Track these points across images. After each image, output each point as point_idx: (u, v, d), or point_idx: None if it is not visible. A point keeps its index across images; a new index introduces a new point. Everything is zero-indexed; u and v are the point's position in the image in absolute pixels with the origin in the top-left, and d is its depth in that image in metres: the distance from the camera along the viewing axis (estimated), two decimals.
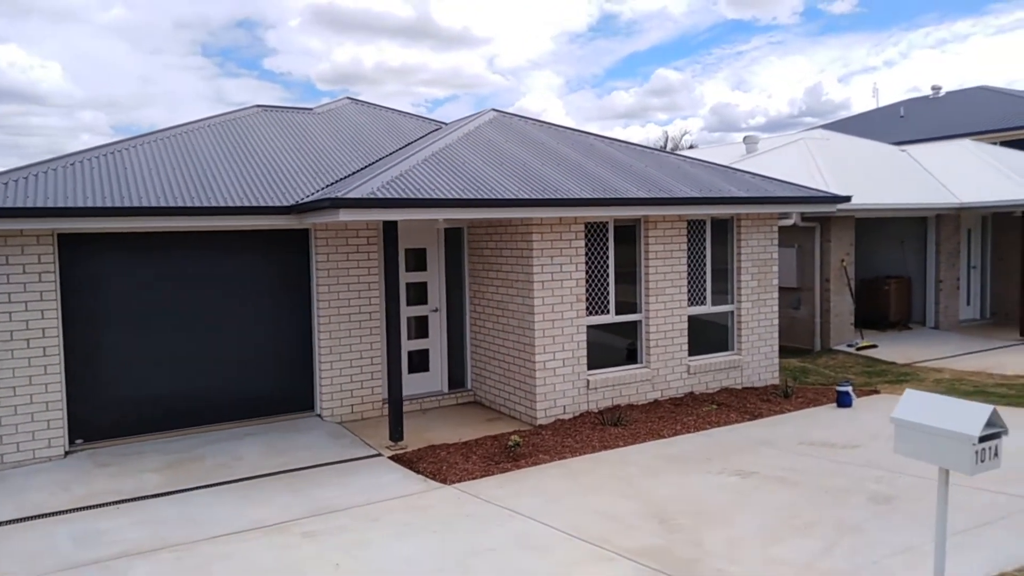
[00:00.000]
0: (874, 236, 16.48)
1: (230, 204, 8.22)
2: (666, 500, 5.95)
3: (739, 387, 10.59)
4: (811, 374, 11.98)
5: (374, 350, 9.66)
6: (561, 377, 9.22)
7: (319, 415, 9.53)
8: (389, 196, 7.55)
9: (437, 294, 10.41)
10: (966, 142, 18.03)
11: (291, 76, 73.85)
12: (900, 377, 11.38)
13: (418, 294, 10.30)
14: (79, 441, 8.36)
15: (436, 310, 10.41)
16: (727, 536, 5.10)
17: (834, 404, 9.35)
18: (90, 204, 7.65)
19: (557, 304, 9.16)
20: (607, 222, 9.61)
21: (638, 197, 9.20)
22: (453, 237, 10.45)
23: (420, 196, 7.75)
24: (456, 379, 10.56)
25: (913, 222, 15.77)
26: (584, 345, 9.36)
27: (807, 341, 14.20)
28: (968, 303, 16.31)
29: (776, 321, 11.03)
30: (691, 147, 30.31)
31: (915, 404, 3.78)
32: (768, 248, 10.90)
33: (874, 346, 13.62)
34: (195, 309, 8.88)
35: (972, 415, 3.54)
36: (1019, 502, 5.66)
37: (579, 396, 9.34)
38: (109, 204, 7.72)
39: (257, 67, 72.95)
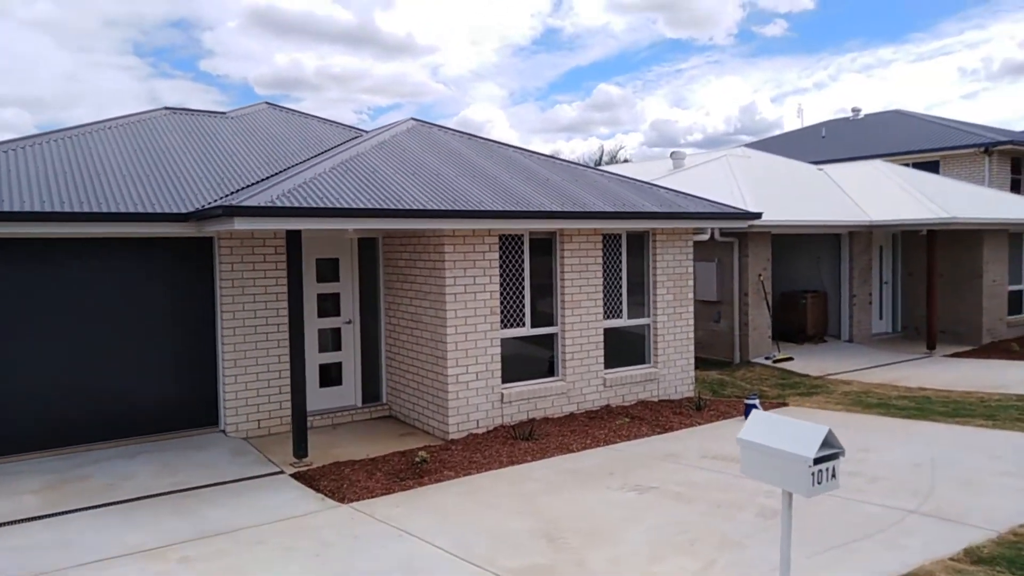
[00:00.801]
0: (792, 252, 16.91)
1: (119, 210, 7.85)
2: (561, 517, 5.87)
3: (655, 399, 10.65)
4: (728, 386, 12.14)
5: (282, 363, 9.35)
6: (474, 391, 9.09)
7: (223, 431, 9.17)
8: (286, 205, 7.31)
9: (351, 306, 10.17)
10: (878, 163, 18.71)
11: (229, 79, 72.26)
12: (811, 390, 11.64)
13: (331, 305, 10.03)
14: None
15: (349, 322, 10.16)
16: (612, 555, 5.04)
17: (743, 417, 9.46)
18: None
19: (470, 317, 9.04)
20: (522, 235, 9.55)
21: (551, 210, 9.17)
22: (368, 248, 10.24)
23: (321, 205, 7.53)
24: (371, 393, 10.32)
25: (829, 238, 16.24)
26: (499, 358, 9.25)
27: (727, 354, 14.43)
28: (880, 317, 16.87)
29: (692, 335, 11.14)
30: (626, 160, 30.74)
31: (760, 425, 3.76)
32: (683, 263, 11.02)
33: (790, 359, 13.93)
34: (89, 320, 8.44)
35: (809, 437, 3.54)
36: (897, 515, 5.77)
37: (493, 410, 9.23)
38: None
39: (193, 68, 71.13)
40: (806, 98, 70.84)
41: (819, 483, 3.53)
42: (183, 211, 8.23)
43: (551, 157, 11.57)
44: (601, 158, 33.06)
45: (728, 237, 14.04)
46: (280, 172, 9.73)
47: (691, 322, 11.13)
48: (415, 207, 8.15)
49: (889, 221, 14.96)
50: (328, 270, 9.99)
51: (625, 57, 73.46)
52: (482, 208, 8.67)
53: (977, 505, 5.89)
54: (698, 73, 74.20)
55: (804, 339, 15.80)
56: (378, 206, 7.91)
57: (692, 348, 11.16)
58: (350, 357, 10.18)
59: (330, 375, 10.04)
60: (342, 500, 6.73)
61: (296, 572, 5.00)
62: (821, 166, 19.48)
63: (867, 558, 4.88)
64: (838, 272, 16.19)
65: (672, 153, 19.87)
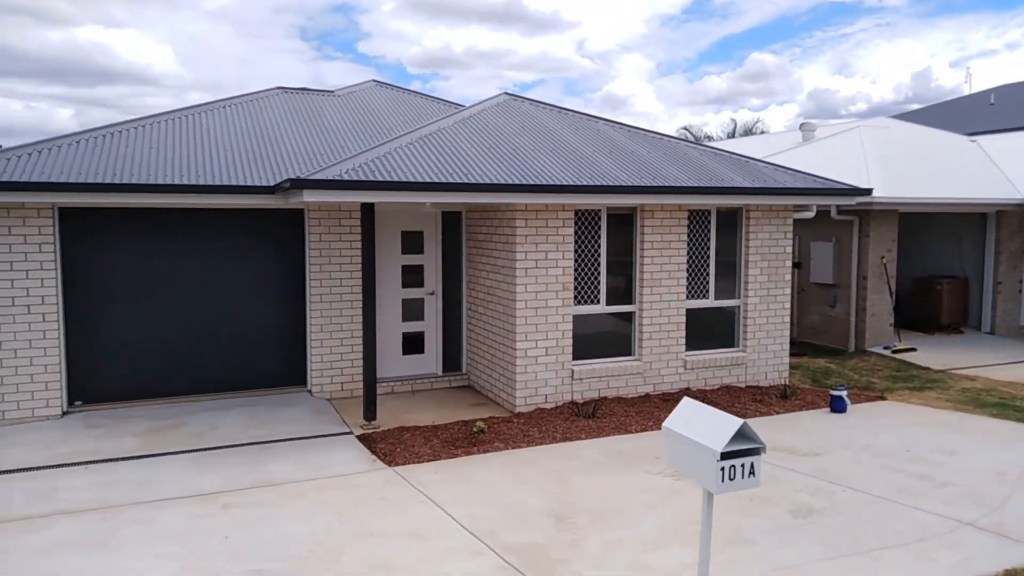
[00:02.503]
0: (928, 232, 15.46)
1: (214, 183, 8.48)
2: (583, 497, 5.81)
3: (742, 385, 10.19)
4: (833, 376, 11.38)
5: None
6: (543, 366, 9.11)
7: (310, 391, 9.77)
8: (350, 179, 7.61)
9: (433, 277, 10.45)
10: None
11: (384, 60, 75.45)
12: (926, 384, 10.67)
13: (415, 277, 10.37)
14: (78, 403, 8.88)
15: (432, 293, 10.46)
16: (611, 538, 4.93)
17: (828, 409, 8.86)
18: (82, 180, 8.05)
19: (541, 292, 9.04)
20: (599, 210, 9.38)
21: (628, 185, 8.93)
22: (452, 221, 10.45)
23: (388, 179, 7.78)
24: (452, 363, 10.60)
25: (972, 218, 14.68)
26: (569, 334, 9.21)
27: (841, 341, 13.50)
28: None
29: (787, 318, 10.52)
30: (761, 133, 29.13)
31: (686, 413, 3.49)
32: (780, 242, 10.39)
33: (912, 349, 12.80)
34: (194, 283, 9.24)
35: (723, 429, 3.25)
36: (950, 525, 5.21)
37: (563, 386, 9.21)
38: (100, 180, 8.10)
39: (352, 50, 74.89)
40: (994, 61, 63.40)
41: (730, 479, 3.26)
42: (270, 184, 8.78)
43: (642, 130, 11.23)
44: (735, 131, 31.54)
45: (847, 215, 13.04)
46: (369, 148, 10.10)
47: (787, 305, 10.50)
48: (481, 181, 8.22)
49: None
50: (413, 242, 10.30)
51: (784, 22, 69.13)
52: (553, 183, 8.60)
53: None
54: (866, 37, 68.44)
55: (936, 329, 14.46)
56: (442, 179, 8.06)
57: (787, 333, 10.54)
58: (432, 327, 10.49)
59: (413, 343, 10.40)
60: (391, 463, 7.02)
61: (314, 526, 5.31)
62: (975, 137, 17.54)
63: (886, 569, 4.48)
64: (982, 256, 14.60)
65: (802, 125, 18.63)
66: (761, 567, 4.53)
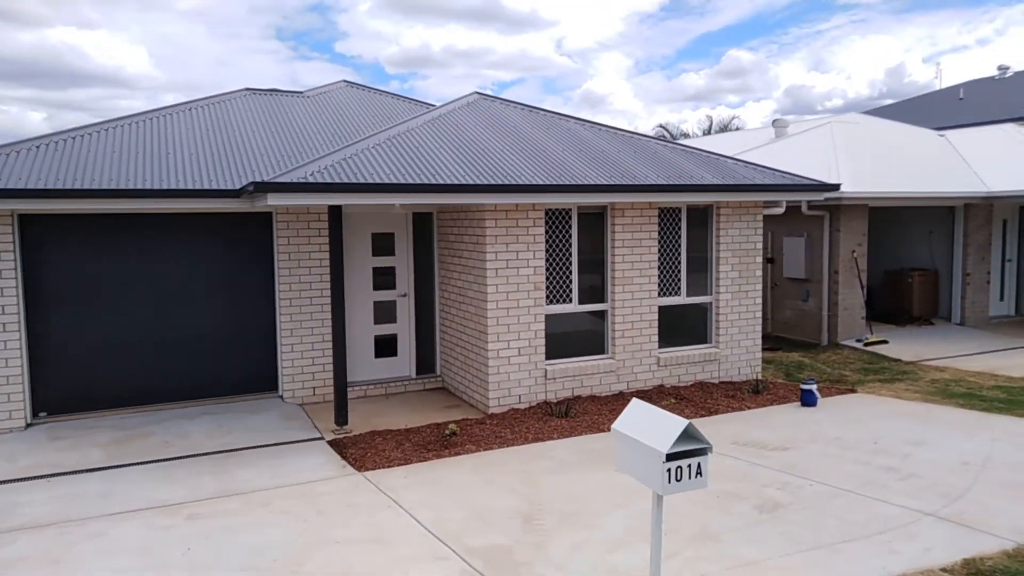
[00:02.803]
0: (898, 226, 15.63)
1: (177, 187, 8.36)
2: (552, 498, 5.78)
3: (715, 381, 10.23)
4: (806, 369, 11.45)
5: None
6: (516, 366, 9.07)
7: (281, 396, 9.67)
8: (317, 181, 7.53)
9: (405, 279, 10.38)
10: (1010, 127, 16.82)
11: (361, 59, 75.08)
12: (897, 376, 10.77)
13: (386, 279, 10.29)
14: (42, 414, 8.72)
15: (404, 295, 10.39)
16: (578, 539, 4.91)
17: (799, 403, 8.91)
18: (41, 186, 7.90)
19: (512, 292, 9.00)
20: (570, 209, 9.37)
21: (597, 184, 8.92)
22: (424, 222, 10.39)
23: (354, 181, 7.70)
24: (425, 365, 10.54)
25: (940, 212, 14.84)
26: (542, 334, 9.18)
27: (814, 335, 13.60)
28: (1001, 298, 15.28)
29: (759, 314, 10.57)
30: (737, 129, 29.29)
31: (634, 414, 3.47)
32: (751, 238, 10.44)
33: (884, 342, 12.92)
34: (160, 289, 9.11)
35: (669, 430, 3.23)
36: (912, 516, 5.24)
37: (536, 386, 9.18)
38: (59, 186, 7.96)
39: (329, 50, 74.45)
40: (966, 56, 64.22)
41: (677, 480, 3.24)
42: (234, 188, 8.66)
43: (613, 128, 11.23)
44: (711, 128, 31.71)
45: (817, 210, 13.14)
46: (335, 149, 10.01)
47: (758, 300, 10.55)
48: (448, 182, 8.17)
49: (1013, 192, 13.44)
50: (384, 244, 10.23)
51: (760, 19, 69.61)
52: (522, 183, 8.56)
53: (1011, 512, 5.27)
54: (840, 34, 69.08)
55: (908, 321, 14.61)
56: (409, 181, 8.00)
57: (759, 328, 10.59)
58: (405, 329, 10.43)
59: (385, 346, 10.33)
60: (360, 468, 6.95)
61: (278, 535, 5.23)
62: (944, 132, 17.76)
63: (848, 562, 4.49)
64: (951, 248, 14.78)
65: (774, 121, 18.76)
66: (724, 564, 4.52)
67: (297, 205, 8.98)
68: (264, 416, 8.96)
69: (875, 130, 16.96)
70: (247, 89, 12.24)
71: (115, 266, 8.89)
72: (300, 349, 9.61)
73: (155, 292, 9.08)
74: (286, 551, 4.90)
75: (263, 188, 7.41)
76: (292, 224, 9.45)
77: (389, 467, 6.96)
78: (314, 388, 9.68)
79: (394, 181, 7.95)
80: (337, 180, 7.67)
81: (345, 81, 13.59)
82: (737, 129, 28.75)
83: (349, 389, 9.88)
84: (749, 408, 8.80)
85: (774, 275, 14.44)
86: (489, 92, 11.90)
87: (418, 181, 8.08)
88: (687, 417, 8.44)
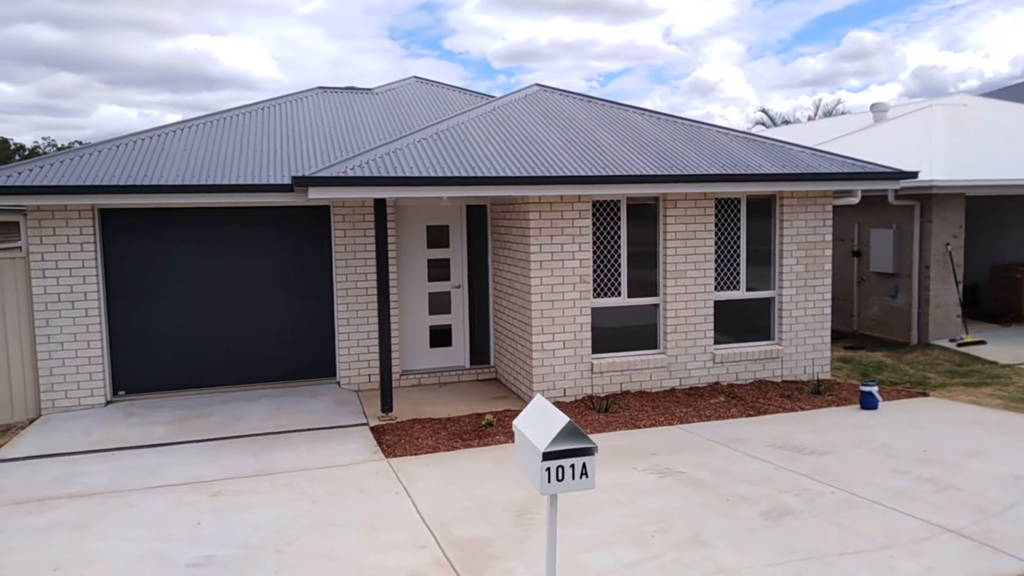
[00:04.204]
0: (1009, 217, 14.35)
1: (235, 182, 8.80)
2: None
3: (777, 380, 9.77)
4: (887, 370, 10.75)
5: (392, 323, 9.95)
6: (561, 359, 9.02)
7: (338, 383, 10.03)
8: (353, 175, 7.74)
9: (460, 271, 10.51)
10: None
11: (469, 55, 76.50)
12: (986, 380, 9.92)
13: (441, 270, 10.46)
14: (122, 392, 9.45)
15: (459, 286, 10.53)
16: (562, 536, 4.82)
17: (859, 406, 8.37)
18: (116, 182, 8.53)
19: (557, 284, 8.95)
20: (618, 200, 9.19)
21: (644, 174, 8.70)
22: (478, 215, 10.47)
23: (390, 175, 7.87)
24: (480, 355, 10.64)
25: None
26: (588, 327, 9.07)
27: (903, 334, 12.71)
28: None
29: (827, 310, 10.00)
30: (843, 114, 27.69)
31: (534, 410, 3.31)
32: (819, 229, 9.89)
33: (981, 343, 11.91)
34: (228, 279, 9.65)
35: (550, 427, 3.06)
36: (932, 531, 4.79)
37: (582, 379, 9.10)
38: (132, 182, 8.56)
39: (438, 47, 76.27)
40: None
41: (558, 479, 3.08)
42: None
43: (673, 117, 10.89)
44: (816, 113, 30.09)
45: (907, 200, 12.23)
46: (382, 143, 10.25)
47: (827, 296, 9.98)
48: (486, 174, 8.19)
49: None
50: (438, 237, 10.39)
51: None
52: (563, 174, 8.47)
53: None
54: (979, 8, 63.80)
55: (1015, 320, 13.41)
56: (446, 174, 8.08)
57: (827, 325, 10.02)
58: (459, 320, 10.56)
59: (440, 337, 10.50)
60: (390, 455, 7.13)
61: (282, 514, 5.46)
62: None
63: None
64: None
65: (872, 105, 17.62)
66: (701, 570, 4.33)
67: (340, 198, 9.26)
68: (319, 401, 9.32)
69: (985, 113, 15.61)
70: (319, 88, 12.72)
71: (187, 257, 9.49)
72: (356, 338, 9.92)
73: (223, 281, 9.62)
74: (282, 530, 5.11)
75: (303, 182, 7.70)
76: (348, 217, 9.77)
77: (417, 455, 7.10)
78: (369, 376, 9.98)
79: (431, 174, 8.06)
80: (374, 174, 7.86)
81: (415, 77, 13.86)
82: (842, 114, 27.19)
83: (404, 377, 10.14)
84: (803, 409, 8.35)
85: (860, 269, 13.60)
86: (551, 84, 11.82)
87: (457, 174, 8.15)
88: (731, 417, 8.15)
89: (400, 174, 7.97)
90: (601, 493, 5.70)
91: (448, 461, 6.81)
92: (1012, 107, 16.59)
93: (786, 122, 30.73)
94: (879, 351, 12.08)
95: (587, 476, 3.23)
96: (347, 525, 5.18)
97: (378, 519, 5.29)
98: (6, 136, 50.89)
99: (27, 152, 45.99)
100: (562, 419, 3.21)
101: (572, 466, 3.16)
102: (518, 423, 3.50)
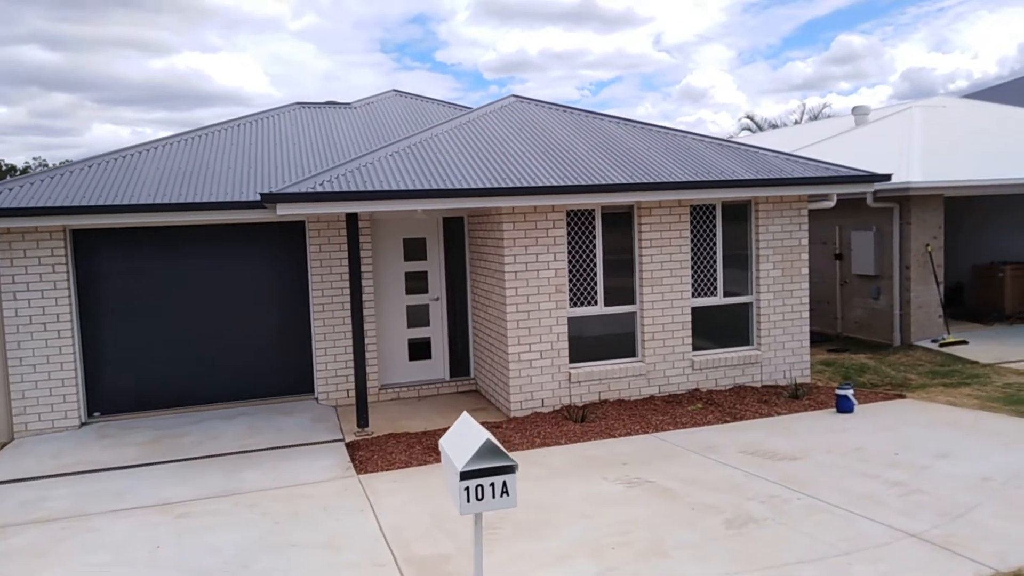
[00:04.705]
0: (989, 217, 14.39)
1: (207, 200, 8.77)
2: (522, 507, 5.64)
3: (757, 385, 9.74)
4: (869, 372, 10.73)
5: (369, 337, 9.92)
6: (538, 369, 8.98)
7: (316, 399, 9.97)
8: (322, 191, 7.72)
9: (438, 283, 10.48)
10: None
11: (461, 67, 76.78)
12: (965, 380, 9.90)
13: (419, 283, 10.42)
14: (96, 414, 9.38)
15: (437, 299, 10.49)
16: (522, 551, 4.78)
17: (835, 410, 8.33)
18: (87, 203, 8.49)
19: (533, 295, 8.92)
20: (593, 209, 9.18)
21: (618, 183, 8.70)
22: (455, 227, 10.45)
23: (357, 189, 7.84)
24: (459, 368, 10.60)
25: None
26: (565, 337, 9.04)
27: (886, 335, 12.69)
28: None
29: (806, 314, 9.98)
30: (828, 117, 27.76)
31: (459, 428, 3.26)
32: (795, 234, 9.88)
33: (963, 342, 11.90)
34: (204, 296, 9.60)
35: (470, 446, 3.01)
36: (892, 536, 4.75)
37: (559, 389, 9.05)
38: (103, 202, 8.53)
39: (430, 60, 76.56)
40: None
41: (478, 499, 3.04)
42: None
43: (648, 125, 10.90)
44: (801, 117, 30.18)
45: (885, 202, 12.25)
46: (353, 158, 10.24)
47: (805, 300, 9.97)
48: (456, 187, 8.17)
49: None
50: (416, 249, 10.36)
51: (873, 1, 65.75)
52: (534, 184, 8.46)
53: (1009, 536, 4.71)
54: (966, 9, 64.13)
55: (998, 319, 13.41)
56: (416, 187, 8.06)
57: (806, 329, 10.00)
58: (438, 333, 10.52)
59: (419, 349, 10.46)
60: (361, 471, 7.07)
61: (242, 537, 5.40)
62: None
63: None
64: None
65: (854, 108, 17.67)
66: None
67: (312, 214, 9.23)
68: (296, 418, 9.26)
69: (965, 114, 15.67)
70: (298, 103, 12.72)
71: (161, 276, 9.45)
72: (333, 353, 9.87)
73: (199, 299, 9.58)
74: (241, 553, 5.06)
75: (271, 199, 7.67)
76: (323, 232, 9.74)
77: (388, 470, 7.05)
78: (347, 391, 9.93)
79: (401, 188, 8.04)
80: (342, 189, 7.83)
81: (395, 90, 13.88)
82: (828, 118, 27.28)
83: (383, 391, 10.09)
84: (780, 414, 8.32)
85: (843, 272, 13.60)
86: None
87: (428, 187, 8.13)
88: (707, 424, 8.11)
89: (370, 188, 7.95)
90: (568, 505, 5.66)
91: (419, 476, 6.76)
92: (992, 107, 16.65)
93: (773, 126, 30.86)
94: (862, 353, 12.06)
95: (508, 495, 3.18)
96: (307, 546, 5.12)
97: (339, 538, 5.23)
98: None
99: (18, 173, 46.04)
100: (482, 437, 3.17)
101: (492, 485, 3.11)
102: (443, 442, 3.46)
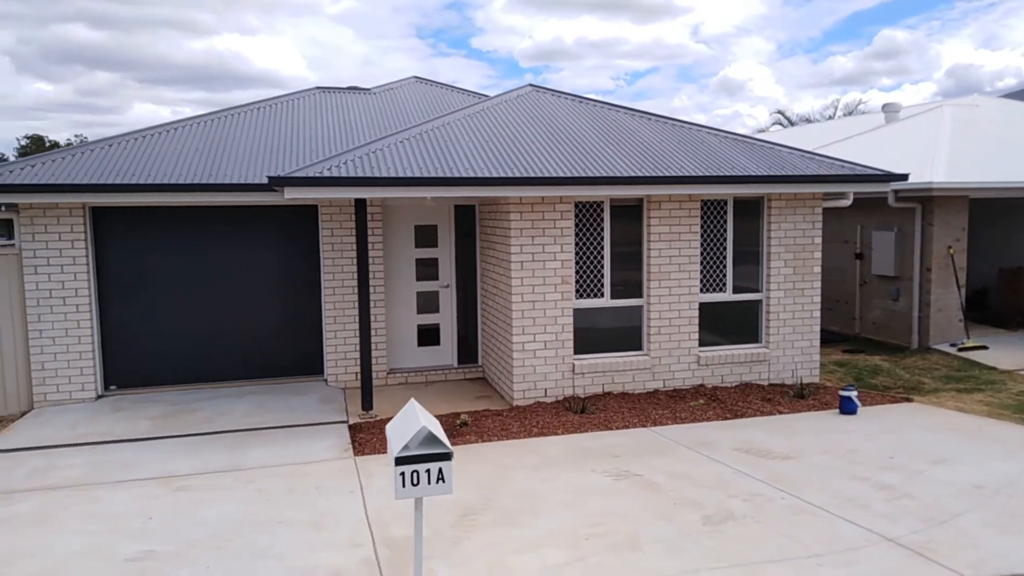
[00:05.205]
0: (1017, 221, 14.04)
1: (225, 182, 8.94)
2: (507, 494, 5.73)
3: (764, 383, 9.68)
4: (882, 375, 10.59)
5: (378, 322, 10.05)
6: (542, 360, 9.03)
7: (326, 380, 10.14)
8: (328, 175, 7.82)
9: (448, 270, 10.56)
10: None
11: (496, 54, 76.71)
12: (980, 386, 9.73)
13: (429, 270, 10.52)
14: (113, 387, 9.65)
15: (447, 286, 10.58)
16: (499, 537, 4.84)
17: (838, 411, 8.26)
18: (104, 181, 8.71)
19: (539, 285, 8.96)
20: (602, 201, 9.17)
21: (627, 176, 8.67)
22: (466, 215, 10.51)
23: (364, 175, 7.93)
24: (468, 355, 10.69)
25: None
26: (570, 328, 9.07)
27: (904, 338, 12.51)
28: None
29: (817, 313, 9.88)
30: (863, 114, 27.25)
31: (404, 414, 3.31)
32: (808, 232, 9.77)
33: (983, 348, 11.68)
34: (219, 276, 9.81)
35: (408, 432, 3.05)
36: (869, 540, 4.73)
37: (563, 380, 9.10)
38: (120, 181, 8.74)
39: (466, 46, 76.54)
40: None
41: (413, 484, 3.08)
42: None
43: (663, 118, 10.83)
44: (835, 113, 29.64)
45: (908, 202, 12.04)
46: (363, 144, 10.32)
47: (816, 299, 9.86)
48: (463, 175, 8.22)
49: None
50: (427, 236, 10.45)
51: None
52: (544, 175, 8.47)
53: (991, 545, 4.65)
54: (1018, 4, 62.19)
55: (1022, 325, 13.10)
56: (423, 175, 8.12)
57: (817, 328, 9.90)
58: (447, 319, 10.62)
59: (428, 336, 10.57)
60: (359, 452, 7.20)
61: (233, 511, 5.54)
62: None
63: None
64: None
65: (884, 105, 17.35)
66: (623, 574, 4.32)
67: (319, 198, 9.34)
68: (304, 398, 9.43)
69: (996, 114, 15.29)
70: (318, 88, 12.85)
71: (178, 255, 9.66)
72: (343, 336, 10.03)
73: (214, 278, 9.78)
74: (227, 527, 5.20)
75: (279, 183, 7.79)
76: (335, 216, 9.87)
77: (384, 452, 7.15)
78: (356, 373, 10.07)
79: (408, 175, 8.11)
80: (350, 174, 7.92)
81: (415, 77, 13.94)
82: (863, 114, 26.76)
83: (391, 375, 10.23)
84: (781, 413, 8.27)
85: (863, 272, 13.40)
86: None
87: (436, 174, 8.19)
88: (706, 420, 8.09)
89: (377, 174, 8.04)
90: (553, 495, 5.71)
91: None
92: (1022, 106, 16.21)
93: (807, 121, 30.37)
94: (878, 355, 11.90)
95: (444, 481, 3.24)
96: (293, 523, 5.25)
97: (325, 517, 5.35)
98: (42, 133, 52.17)
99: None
100: (419, 424, 3.23)
101: (428, 471, 3.18)
102: (389, 428, 3.53)
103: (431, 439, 3.21)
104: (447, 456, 3.27)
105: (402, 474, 3.19)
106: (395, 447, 3.17)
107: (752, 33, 71.15)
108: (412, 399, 3.62)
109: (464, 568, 4.42)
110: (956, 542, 4.71)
